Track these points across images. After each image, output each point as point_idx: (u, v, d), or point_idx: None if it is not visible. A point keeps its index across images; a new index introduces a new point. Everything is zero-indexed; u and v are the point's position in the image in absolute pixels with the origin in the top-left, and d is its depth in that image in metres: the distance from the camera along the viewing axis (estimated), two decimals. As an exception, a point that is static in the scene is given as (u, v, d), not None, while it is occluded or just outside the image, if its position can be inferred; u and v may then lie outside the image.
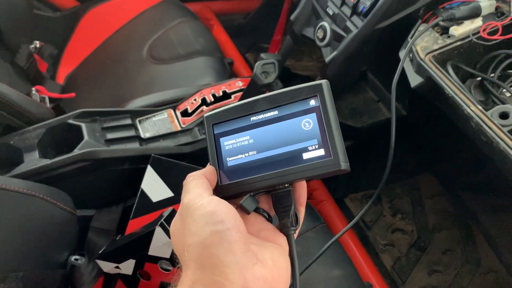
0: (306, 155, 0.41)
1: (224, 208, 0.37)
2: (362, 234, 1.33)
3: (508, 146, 0.67)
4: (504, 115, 0.70)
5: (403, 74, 0.82)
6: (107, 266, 0.84)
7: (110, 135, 0.96)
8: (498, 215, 1.33)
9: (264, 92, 0.92)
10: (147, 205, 0.88)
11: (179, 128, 1.02)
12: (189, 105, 1.06)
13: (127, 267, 0.84)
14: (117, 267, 0.83)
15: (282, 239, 0.41)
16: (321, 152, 0.41)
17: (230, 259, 0.35)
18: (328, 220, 1.18)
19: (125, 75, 1.30)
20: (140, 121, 1.03)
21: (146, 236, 0.79)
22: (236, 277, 0.34)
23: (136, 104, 1.13)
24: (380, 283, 1.04)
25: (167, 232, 0.79)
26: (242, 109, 0.44)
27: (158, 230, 0.78)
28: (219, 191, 0.43)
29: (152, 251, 0.81)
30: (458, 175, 1.40)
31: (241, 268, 0.35)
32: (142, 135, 1.00)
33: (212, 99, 1.06)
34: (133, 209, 0.87)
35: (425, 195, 1.42)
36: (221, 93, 1.06)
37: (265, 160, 0.43)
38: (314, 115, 0.42)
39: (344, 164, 0.40)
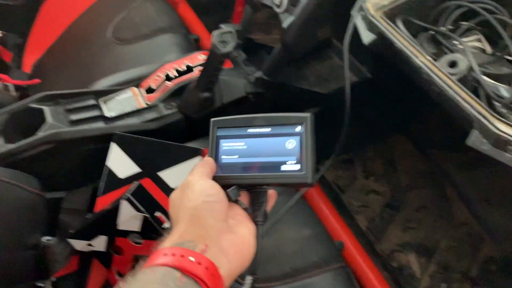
0: (284, 167, 0.53)
1: (216, 189, 0.50)
2: (337, 197, 1.36)
3: (457, 94, 0.68)
4: (452, 64, 0.72)
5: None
6: (79, 245, 0.85)
7: (73, 117, 0.95)
8: (468, 170, 1.37)
9: (223, 62, 0.93)
10: (115, 182, 0.88)
11: (144, 105, 1.02)
12: (152, 82, 1.05)
13: (99, 243, 0.85)
14: (89, 244, 0.85)
15: (251, 225, 0.52)
16: (297, 167, 0.53)
17: (213, 222, 0.47)
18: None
19: (91, 58, 1.29)
20: (104, 101, 1.02)
21: (113, 211, 0.80)
22: (214, 235, 0.46)
23: (101, 84, 1.13)
24: (352, 241, 1.07)
25: (134, 205, 0.80)
26: (243, 121, 0.57)
27: (124, 204, 0.79)
28: (213, 179, 0.53)
29: (121, 226, 0.82)
30: (428, 134, 1.43)
31: (219, 231, 0.47)
32: (107, 115, 0.99)
33: (176, 74, 1.05)
34: (100, 186, 0.88)
35: (397, 156, 1.44)
36: (184, 68, 1.06)
37: (252, 164, 0.55)
38: (298, 137, 0.54)
39: (311, 180, 0.52)
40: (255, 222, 0.53)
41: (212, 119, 0.58)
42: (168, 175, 0.89)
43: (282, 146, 0.55)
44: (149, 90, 1.05)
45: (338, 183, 1.39)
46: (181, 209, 0.49)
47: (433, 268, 1.21)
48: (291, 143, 0.54)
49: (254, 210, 0.54)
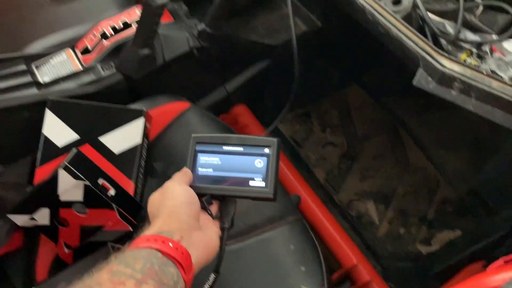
0: (251, 183, 0.62)
1: (192, 194, 0.59)
2: (294, 152, 1.34)
3: (402, 32, 0.66)
4: (396, 1, 0.69)
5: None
6: (21, 220, 0.80)
7: (1, 85, 0.88)
8: (422, 115, 1.37)
9: (160, 15, 0.86)
10: (53, 151, 0.83)
11: (81, 68, 0.95)
12: (88, 42, 0.98)
13: (42, 217, 0.80)
14: (32, 218, 0.80)
15: (217, 229, 0.61)
16: (262, 184, 0.61)
17: (187, 219, 0.56)
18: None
19: (20, 20, 1.19)
20: (37, 66, 0.95)
21: (51, 182, 0.75)
22: (187, 229, 0.55)
23: (32, 48, 1.04)
24: (309, 194, 1.06)
25: (72, 174, 0.75)
26: (220, 140, 0.64)
27: (62, 173, 0.74)
28: (190, 187, 0.61)
29: (62, 196, 0.78)
30: (382, 82, 1.42)
31: (191, 227, 0.56)
32: (40, 80, 0.92)
33: (113, 32, 0.98)
34: (38, 157, 0.82)
35: (353, 106, 1.43)
36: (121, 24, 0.99)
37: (224, 178, 0.63)
38: (265, 158, 0.62)
39: (273, 195, 0.61)
40: (222, 228, 0.61)
41: (193, 135, 0.65)
42: (109, 139, 0.84)
43: (251, 164, 0.62)
44: (85, 51, 0.98)
45: (295, 138, 1.38)
46: (161, 207, 0.57)
47: (391, 214, 1.23)
48: (260, 162, 0.62)
49: (222, 217, 0.62)
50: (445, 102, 0.65)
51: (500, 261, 0.46)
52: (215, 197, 0.63)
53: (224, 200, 0.63)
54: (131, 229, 0.79)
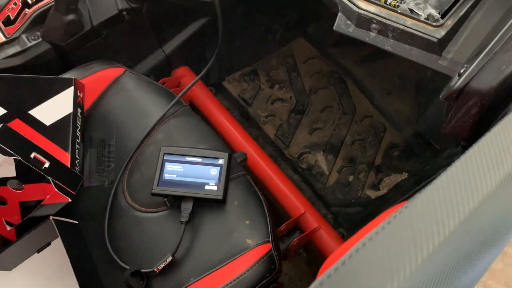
0: (207, 187, 0.79)
1: None
2: (243, 111, 1.34)
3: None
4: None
5: None
6: (-45, 202, 0.77)
7: None
8: (366, 63, 1.39)
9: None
10: (-20, 129, 0.80)
11: (3, 39, 0.91)
12: (10, 12, 0.93)
13: (-23, 197, 0.78)
14: (-33, 200, 0.77)
15: None
16: (215, 188, 0.79)
17: None
18: (199, 104, 1.16)
19: None
20: (-44, 41, 0.90)
21: (-21, 160, 0.73)
22: None
23: (-49, 23, 0.98)
24: (257, 150, 1.07)
25: (1, 150, 0.72)
26: (184, 152, 0.81)
27: (-11, 150, 0.72)
28: (157, 190, 0.80)
29: (-6, 174, 0.75)
30: (325, 34, 1.41)
31: None
32: (-39, 56, 0.87)
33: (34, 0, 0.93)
34: (-36, 136, 0.79)
35: (299, 60, 1.43)
36: (42, -10, 0.94)
37: (185, 182, 0.80)
38: (219, 168, 0.80)
39: (223, 197, 0.78)
40: (181, 221, 0.76)
41: (162, 147, 0.82)
42: (40, 112, 0.82)
43: (207, 172, 0.80)
44: (8, 22, 0.93)
45: (243, 97, 1.37)
46: None
47: (340, 163, 1.25)
48: (214, 171, 0.80)
49: (182, 213, 0.77)
50: (385, 50, 0.65)
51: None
52: (176, 197, 0.79)
53: (183, 199, 0.78)
54: (70, 200, 0.78)
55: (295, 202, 1.00)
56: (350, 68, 1.38)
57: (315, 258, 1.10)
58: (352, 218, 1.15)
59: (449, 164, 1.02)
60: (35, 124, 0.81)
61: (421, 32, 0.56)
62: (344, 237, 1.07)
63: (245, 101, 1.36)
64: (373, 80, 1.36)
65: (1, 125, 0.74)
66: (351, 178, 1.23)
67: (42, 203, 0.79)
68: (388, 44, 0.60)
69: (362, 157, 1.26)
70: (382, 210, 1.12)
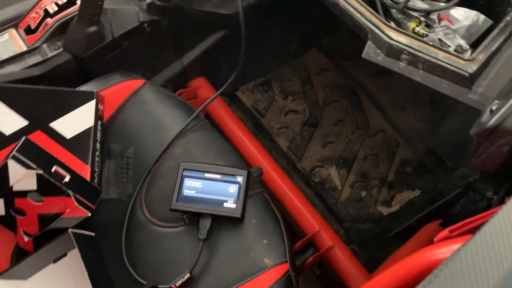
0: (225, 204, 0.78)
1: None
2: (256, 122, 1.34)
3: (349, 4, 0.65)
4: (344, -28, 0.67)
5: None
6: (-27, 212, 0.77)
7: None
8: (380, 78, 1.39)
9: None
10: (1, 140, 0.80)
11: (25, 49, 0.91)
12: (31, 21, 0.93)
13: (-3, 208, 0.78)
14: (-14, 210, 0.77)
15: None
16: (234, 205, 0.78)
17: None
18: (215, 116, 1.16)
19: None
20: (-23, 49, 0.90)
21: (1, 172, 0.73)
22: None
23: (-29, 30, 0.98)
24: (272, 165, 1.07)
25: (22, 163, 0.72)
26: (203, 168, 0.81)
27: (11, 163, 0.72)
28: (176, 206, 0.80)
29: (16, 186, 0.75)
30: (340, 47, 1.41)
31: None
32: (-18, 64, 0.88)
33: (57, 9, 0.93)
34: (-15, 145, 0.79)
35: (313, 72, 1.43)
36: (64, 0, 0.94)
37: (204, 199, 0.79)
38: (238, 185, 0.80)
39: (241, 216, 0.78)
40: (199, 238, 0.76)
41: (181, 163, 0.81)
42: (61, 124, 0.82)
43: (226, 189, 0.79)
44: (29, 31, 0.93)
45: (257, 108, 1.37)
46: None
47: (353, 178, 1.26)
48: (233, 188, 0.79)
49: (200, 230, 0.77)
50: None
51: (445, 232, 0.47)
52: (195, 214, 0.79)
53: (202, 216, 0.78)
54: (90, 214, 0.78)
55: (309, 219, 1.00)
56: (363, 82, 1.38)
57: (326, 273, 1.10)
58: (364, 234, 1.15)
59: (464, 185, 1.01)
60: (56, 136, 0.81)
61: (453, 66, 0.56)
62: (356, 253, 1.07)
63: (259, 112, 1.36)
64: (386, 94, 1.36)
65: (24, 138, 0.74)
66: (363, 193, 1.23)
67: (61, 216, 0.80)
68: (418, 75, 0.60)
69: (375, 172, 1.26)
70: (394, 227, 1.13)
